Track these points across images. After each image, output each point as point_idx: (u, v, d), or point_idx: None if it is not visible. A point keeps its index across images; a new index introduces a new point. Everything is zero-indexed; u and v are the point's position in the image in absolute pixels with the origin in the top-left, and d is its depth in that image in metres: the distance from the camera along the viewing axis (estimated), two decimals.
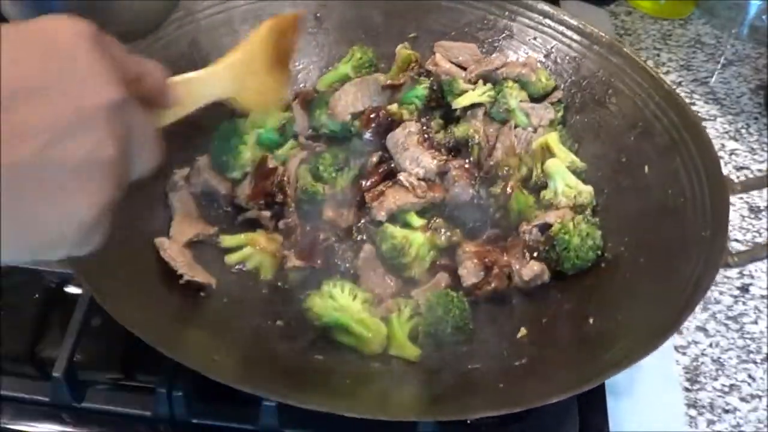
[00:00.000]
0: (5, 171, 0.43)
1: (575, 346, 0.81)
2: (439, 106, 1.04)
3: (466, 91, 1.03)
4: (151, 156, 0.54)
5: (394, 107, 1.01)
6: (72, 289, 0.91)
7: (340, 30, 1.10)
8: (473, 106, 1.02)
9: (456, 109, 1.03)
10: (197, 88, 0.67)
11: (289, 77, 0.83)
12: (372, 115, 0.99)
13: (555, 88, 1.06)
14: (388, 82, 1.02)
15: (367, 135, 0.99)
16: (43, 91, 0.45)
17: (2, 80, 0.44)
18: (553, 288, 0.89)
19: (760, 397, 0.89)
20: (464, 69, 1.08)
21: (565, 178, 0.96)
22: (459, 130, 0.99)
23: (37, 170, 0.44)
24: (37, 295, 0.90)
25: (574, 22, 1.07)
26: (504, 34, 1.11)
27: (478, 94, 1.03)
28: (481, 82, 1.04)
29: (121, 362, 0.85)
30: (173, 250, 0.85)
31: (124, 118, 0.48)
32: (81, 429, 0.79)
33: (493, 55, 1.09)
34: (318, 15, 1.10)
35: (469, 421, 0.80)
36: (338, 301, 0.81)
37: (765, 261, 1.02)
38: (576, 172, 0.97)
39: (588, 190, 0.96)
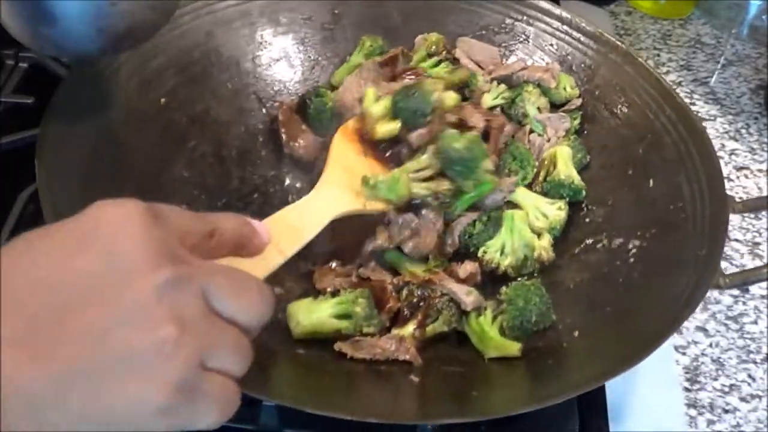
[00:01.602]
0: (66, 375, 0.45)
1: (557, 360, 0.82)
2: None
3: (484, 91, 1.04)
4: (245, 308, 0.52)
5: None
6: None
7: (358, 27, 1.10)
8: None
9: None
10: (302, 217, 0.69)
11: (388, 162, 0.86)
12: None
13: (578, 97, 1.06)
14: (386, 57, 1.03)
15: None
16: (88, 290, 0.47)
17: (46, 288, 0.47)
18: None
19: (760, 397, 0.91)
20: (482, 68, 1.08)
21: (539, 206, 0.95)
22: None
23: (98, 366, 0.46)
24: None
25: (590, 29, 1.08)
26: (521, 39, 1.11)
27: (493, 97, 1.03)
28: (495, 83, 1.05)
29: None
30: None
31: (179, 293, 0.48)
32: None
33: (511, 59, 1.10)
34: (336, 11, 1.10)
35: None
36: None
37: (764, 262, 1.05)
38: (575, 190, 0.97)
39: (559, 218, 0.95)
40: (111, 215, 0.49)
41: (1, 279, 0.46)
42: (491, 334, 0.82)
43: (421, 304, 0.83)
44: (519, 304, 0.83)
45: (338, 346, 0.79)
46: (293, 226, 0.66)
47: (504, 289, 0.85)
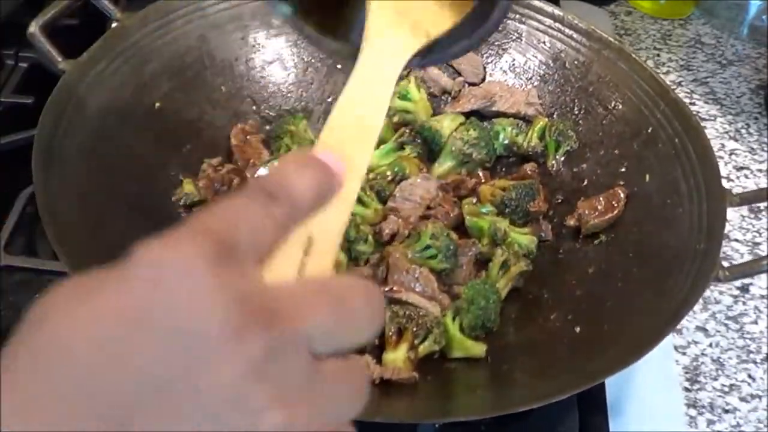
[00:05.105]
0: None
1: (556, 356, 0.82)
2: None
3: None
4: (355, 334, 0.42)
5: None
6: None
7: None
8: None
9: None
10: (361, 99, 0.50)
11: None
12: None
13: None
14: None
15: None
16: (158, 389, 0.36)
17: (103, 393, 0.36)
18: (544, 295, 0.90)
19: (760, 397, 0.90)
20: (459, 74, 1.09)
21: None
22: None
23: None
24: (37, 295, 0.89)
25: (583, 26, 1.07)
26: (514, 37, 1.11)
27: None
28: (452, 116, 1.04)
29: None
30: None
31: (277, 364, 0.38)
32: None
33: (504, 58, 1.10)
34: None
35: None
36: None
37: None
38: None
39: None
40: (168, 272, 0.37)
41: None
42: (453, 333, 0.81)
43: (408, 324, 0.81)
44: (480, 303, 0.82)
45: None
46: (355, 119, 0.49)
47: (462, 288, 0.84)
